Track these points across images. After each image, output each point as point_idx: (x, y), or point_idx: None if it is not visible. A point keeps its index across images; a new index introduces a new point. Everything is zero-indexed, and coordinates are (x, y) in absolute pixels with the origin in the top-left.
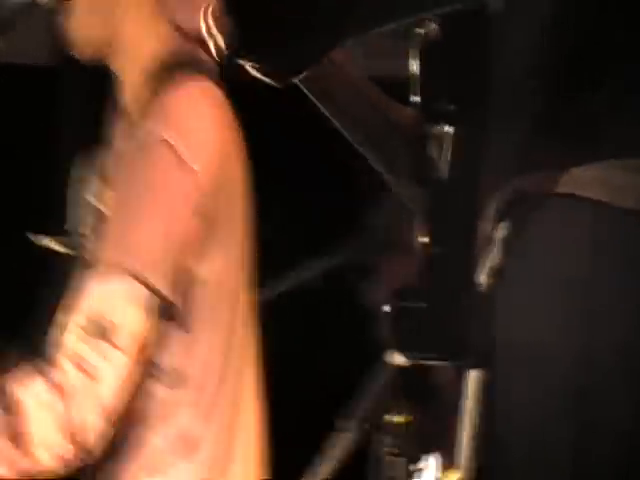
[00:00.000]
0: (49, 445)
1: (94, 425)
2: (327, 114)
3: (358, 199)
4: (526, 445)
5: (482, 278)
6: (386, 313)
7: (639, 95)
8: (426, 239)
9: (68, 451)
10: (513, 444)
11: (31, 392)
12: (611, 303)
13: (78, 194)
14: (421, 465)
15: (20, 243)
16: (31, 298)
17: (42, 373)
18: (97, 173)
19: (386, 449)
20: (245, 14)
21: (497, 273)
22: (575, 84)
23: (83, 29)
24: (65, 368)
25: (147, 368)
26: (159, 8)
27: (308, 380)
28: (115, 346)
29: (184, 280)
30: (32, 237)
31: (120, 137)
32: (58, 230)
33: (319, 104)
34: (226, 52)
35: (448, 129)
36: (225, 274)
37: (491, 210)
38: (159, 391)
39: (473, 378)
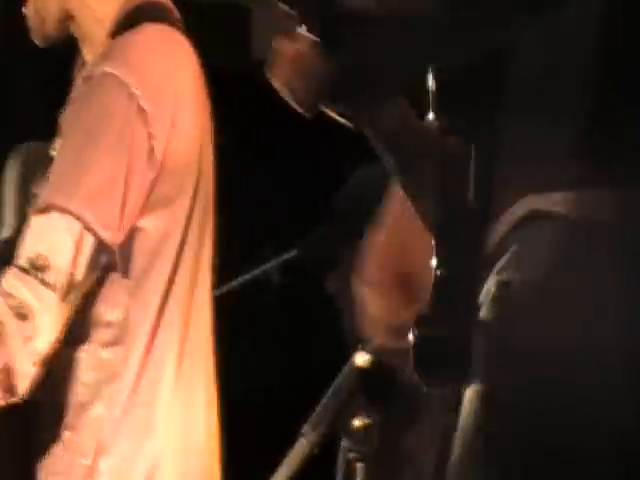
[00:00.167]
0: None
1: (23, 368)
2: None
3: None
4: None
5: (490, 291)
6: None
7: None
8: (440, 258)
9: None
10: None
11: None
12: (628, 334)
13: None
14: None
15: None
16: None
17: None
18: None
19: (350, 454)
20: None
21: (506, 287)
22: (602, 106)
23: (41, 10)
24: None
25: (89, 325)
26: None
27: (265, 382)
28: (46, 284)
29: (125, 225)
30: None
31: (76, 89)
32: None
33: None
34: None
35: (463, 146)
36: (169, 231)
37: (504, 225)
38: (102, 353)
39: (474, 392)
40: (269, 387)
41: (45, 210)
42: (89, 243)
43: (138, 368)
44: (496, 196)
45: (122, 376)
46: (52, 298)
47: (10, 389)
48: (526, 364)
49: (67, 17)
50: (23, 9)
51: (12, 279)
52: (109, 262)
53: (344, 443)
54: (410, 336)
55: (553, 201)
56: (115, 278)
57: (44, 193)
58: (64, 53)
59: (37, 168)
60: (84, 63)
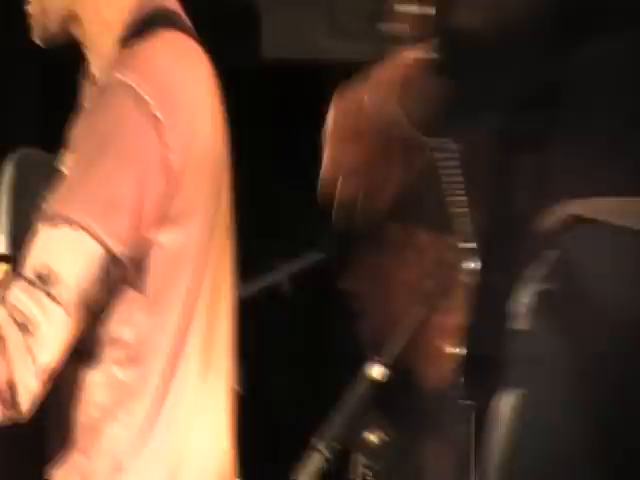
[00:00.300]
0: None
1: (26, 383)
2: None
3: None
4: None
5: (529, 301)
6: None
7: None
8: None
9: None
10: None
11: None
12: None
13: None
14: None
15: None
16: None
17: None
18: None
19: (362, 469)
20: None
21: (549, 298)
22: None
23: (46, 9)
24: None
25: (103, 344)
26: None
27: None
28: (52, 297)
29: (139, 240)
30: None
31: (88, 101)
32: None
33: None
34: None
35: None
36: (187, 245)
37: (542, 231)
38: (117, 373)
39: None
40: (282, 400)
41: (54, 221)
42: (99, 257)
43: (160, 388)
44: (538, 202)
45: (141, 396)
46: (58, 312)
47: (14, 405)
48: (576, 382)
49: (72, 18)
50: (25, 7)
51: (17, 290)
52: (123, 278)
53: (357, 458)
54: (456, 349)
55: (597, 208)
56: (130, 295)
57: (53, 204)
58: (64, 53)
59: (34, 176)
60: (90, 71)
